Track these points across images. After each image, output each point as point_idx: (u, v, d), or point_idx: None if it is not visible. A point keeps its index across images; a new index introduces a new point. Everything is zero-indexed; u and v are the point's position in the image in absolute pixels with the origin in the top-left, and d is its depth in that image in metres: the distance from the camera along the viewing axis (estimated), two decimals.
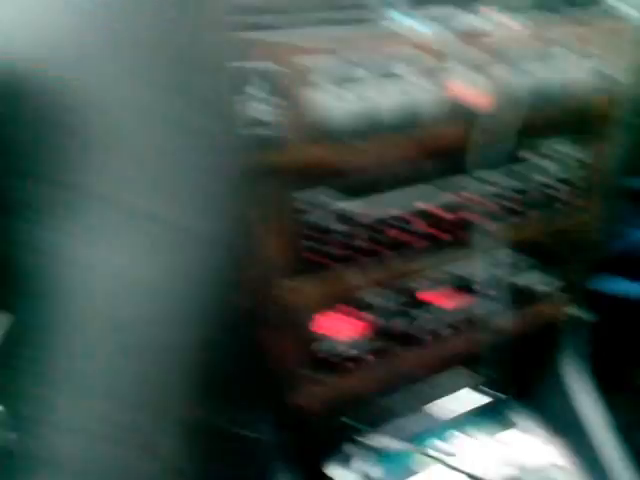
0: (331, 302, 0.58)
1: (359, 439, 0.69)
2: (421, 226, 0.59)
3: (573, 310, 0.79)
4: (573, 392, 0.80)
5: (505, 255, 0.65)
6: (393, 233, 0.58)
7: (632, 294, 0.90)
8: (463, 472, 0.68)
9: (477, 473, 0.74)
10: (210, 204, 0.34)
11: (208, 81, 0.34)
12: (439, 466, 0.78)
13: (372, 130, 0.50)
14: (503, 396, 0.89)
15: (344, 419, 0.74)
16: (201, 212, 0.33)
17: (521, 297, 0.71)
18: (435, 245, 0.61)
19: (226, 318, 0.39)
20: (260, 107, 0.45)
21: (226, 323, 0.39)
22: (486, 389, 0.88)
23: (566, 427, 0.81)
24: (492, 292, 0.67)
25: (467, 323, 0.67)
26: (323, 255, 0.54)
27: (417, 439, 0.82)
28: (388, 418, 0.80)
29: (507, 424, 0.87)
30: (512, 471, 0.76)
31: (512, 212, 0.64)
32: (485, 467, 0.76)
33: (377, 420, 0.77)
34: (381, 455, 0.79)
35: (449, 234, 0.61)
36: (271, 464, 0.64)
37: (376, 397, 0.71)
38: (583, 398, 0.80)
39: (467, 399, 0.87)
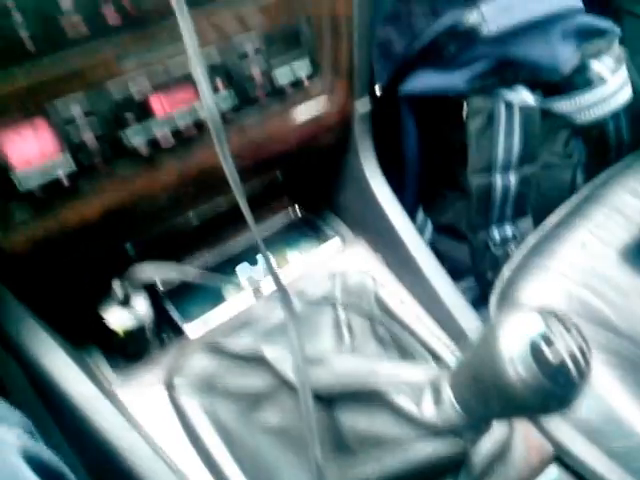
0: (5, 111, 0.50)
1: (136, 275, 0.60)
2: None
3: (354, 103, 0.75)
4: (375, 196, 0.77)
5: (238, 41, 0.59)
6: None
7: (445, 87, 0.91)
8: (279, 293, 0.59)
9: (295, 293, 0.69)
10: None
11: None
12: (250, 293, 0.75)
13: None
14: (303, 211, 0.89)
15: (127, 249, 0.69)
16: None
17: (278, 93, 0.65)
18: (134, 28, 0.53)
19: None
20: None
21: None
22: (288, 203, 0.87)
23: (376, 234, 0.80)
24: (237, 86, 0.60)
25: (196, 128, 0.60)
26: None
27: (223, 268, 0.80)
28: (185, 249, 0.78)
29: (318, 238, 0.85)
30: (331, 285, 0.73)
31: None
32: (304, 285, 0.73)
33: (171, 252, 0.73)
34: (183, 288, 0.76)
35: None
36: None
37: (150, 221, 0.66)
38: (387, 202, 0.77)
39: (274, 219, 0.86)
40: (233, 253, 0.82)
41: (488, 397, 0.44)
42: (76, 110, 0.53)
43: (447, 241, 1.06)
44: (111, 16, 0.52)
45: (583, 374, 0.41)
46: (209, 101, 0.49)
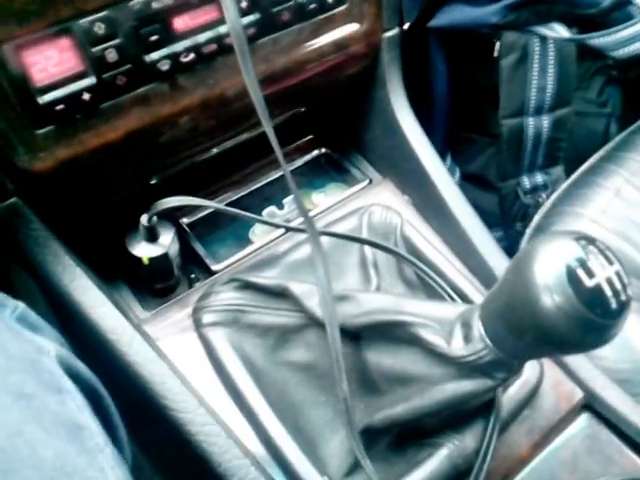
0: (27, 28, 0.49)
1: (162, 205, 0.58)
2: None
3: (382, 33, 0.71)
4: (403, 132, 0.74)
5: None
6: None
7: (476, 20, 0.87)
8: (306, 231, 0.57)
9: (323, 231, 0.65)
10: None
11: None
12: (279, 232, 0.73)
13: None
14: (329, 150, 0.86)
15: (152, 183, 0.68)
16: None
17: (304, 15, 0.63)
18: None
19: None
20: None
21: None
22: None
23: (405, 174, 0.77)
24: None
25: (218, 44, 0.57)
26: None
27: (250, 206, 0.79)
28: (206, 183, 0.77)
29: (344, 181, 0.84)
30: (357, 222, 0.71)
31: None
32: (330, 223, 0.71)
33: (193, 185, 0.73)
34: (208, 224, 0.75)
35: None
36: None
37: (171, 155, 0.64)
38: (416, 139, 0.74)
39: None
40: (259, 196, 0.81)
41: (521, 328, 0.41)
42: (98, 26, 0.52)
43: (475, 190, 1.03)
44: None
45: (622, 305, 0.38)
46: (233, 16, 0.46)
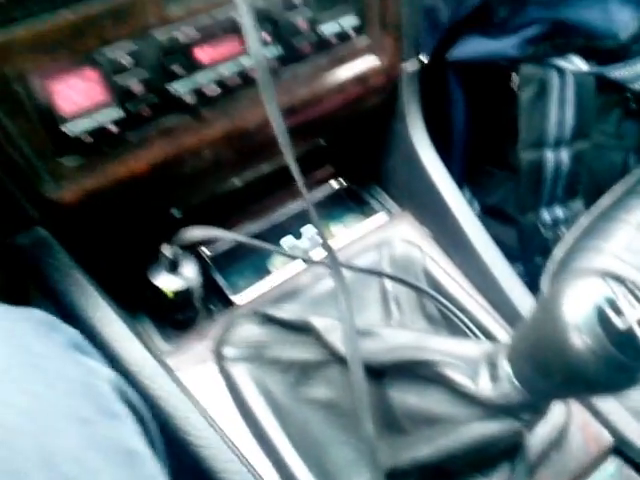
0: (54, 58, 0.49)
1: (185, 237, 0.59)
2: None
3: (404, 61, 0.72)
4: (422, 164, 0.74)
5: None
6: None
7: (494, 53, 0.87)
8: (329, 265, 0.57)
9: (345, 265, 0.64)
10: None
11: None
12: (298, 263, 0.72)
13: None
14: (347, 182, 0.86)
15: (172, 212, 0.68)
16: None
17: (325, 47, 0.63)
18: None
19: None
20: None
21: None
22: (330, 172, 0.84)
23: (424, 207, 0.76)
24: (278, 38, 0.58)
25: (242, 79, 0.58)
26: None
27: (268, 236, 0.78)
28: (227, 214, 0.76)
29: (363, 212, 0.83)
30: (377, 256, 0.70)
31: None
32: (350, 256, 0.70)
33: (213, 216, 0.71)
34: (228, 255, 0.75)
35: None
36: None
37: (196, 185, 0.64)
38: (436, 171, 0.74)
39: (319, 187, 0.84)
40: (277, 226, 0.81)
41: (550, 369, 0.40)
42: (123, 57, 0.52)
43: (493, 224, 1.02)
44: None
45: None
46: (257, 48, 0.47)
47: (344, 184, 0.87)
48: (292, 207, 0.81)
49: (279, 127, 0.49)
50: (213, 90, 0.57)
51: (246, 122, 0.61)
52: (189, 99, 0.56)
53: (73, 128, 0.52)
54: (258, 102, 0.50)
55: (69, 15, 0.49)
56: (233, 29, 0.56)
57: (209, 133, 0.59)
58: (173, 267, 0.62)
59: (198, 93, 0.57)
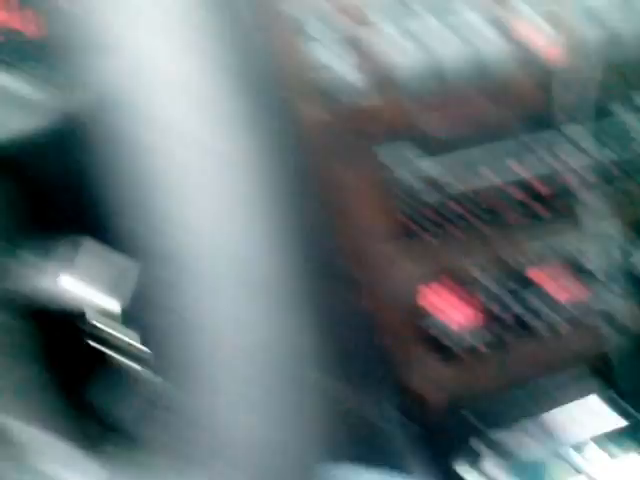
0: (434, 275, 0.56)
1: (491, 439, 0.64)
2: (519, 196, 0.57)
3: None
4: None
5: (617, 233, 0.60)
6: (489, 203, 0.56)
7: None
8: None
9: None
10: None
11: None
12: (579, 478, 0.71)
13: (437, 80, 0.49)
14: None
15: (468, 415, 0.70)
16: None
17: None
18: (538, 219, 0.58)
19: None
20: (324, 51, 0.45)
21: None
22: (619, 402, 0.80)
23: None
24: (612, 279, 0.61)
25: (586, 317, 0.62)
26: (416, 221, 0.54)
27: (552, 447, 0.75)
28: (515, 421, 0.75)
29: None
30: None
31: (611, 180, 0.59)
32: None
33: (502, 422, 0.72)
34: (513, 461, 0.73)
35: (549, 207, 0.58)
36: (400, 456, 0.61)
37: (495, 395, 0.67)
38: None
39: (599, 412, 0.78)
40: None
41: None
42: (497, 286, 0.58)
43: None
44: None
45: None
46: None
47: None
48: None
49: None
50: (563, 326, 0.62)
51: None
52: (541, 329, 0.61)
53: (452, 342, 0.58)
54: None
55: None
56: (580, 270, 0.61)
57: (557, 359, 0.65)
58: None
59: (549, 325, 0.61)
